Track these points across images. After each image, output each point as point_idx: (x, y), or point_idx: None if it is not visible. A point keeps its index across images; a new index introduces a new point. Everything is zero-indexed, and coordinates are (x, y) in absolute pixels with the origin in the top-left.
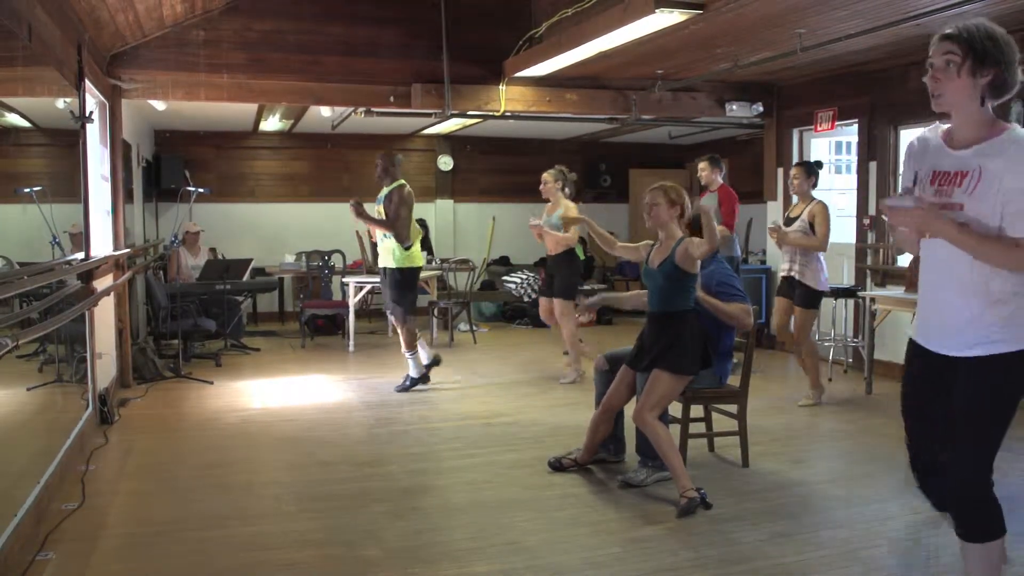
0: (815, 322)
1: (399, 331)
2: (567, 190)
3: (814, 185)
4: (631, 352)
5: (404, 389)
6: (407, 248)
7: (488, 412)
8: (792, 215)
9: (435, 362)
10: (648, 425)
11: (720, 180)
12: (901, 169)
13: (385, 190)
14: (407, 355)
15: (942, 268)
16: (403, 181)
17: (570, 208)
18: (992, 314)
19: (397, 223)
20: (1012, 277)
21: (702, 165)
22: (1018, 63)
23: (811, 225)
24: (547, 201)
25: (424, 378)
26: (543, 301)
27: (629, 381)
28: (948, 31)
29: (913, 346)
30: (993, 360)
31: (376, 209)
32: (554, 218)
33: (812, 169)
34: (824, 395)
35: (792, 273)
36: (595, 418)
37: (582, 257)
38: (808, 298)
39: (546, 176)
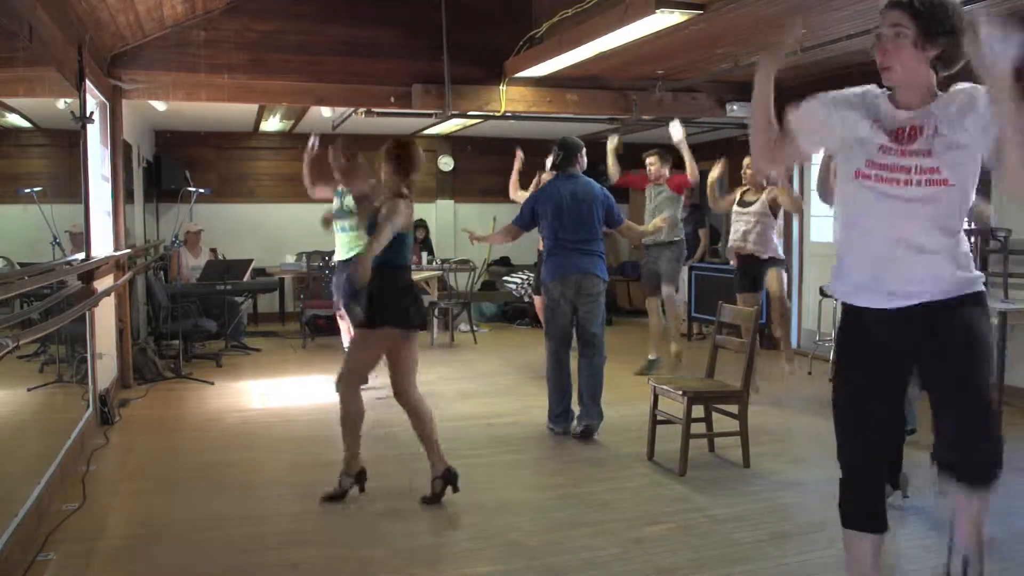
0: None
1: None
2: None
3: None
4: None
5: None
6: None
7: (489, 413)
8: (748, 199)
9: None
10: (413, 401)
11: (667, 173)
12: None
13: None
14: None
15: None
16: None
17: None
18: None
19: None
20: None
21: (652, 159)
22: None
23: (771, 208)
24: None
25: None
26: (537, 299)
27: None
28: None
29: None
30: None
31: (343, 202)
32: None
33: None
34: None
35: (755, 253)
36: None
37: None
38: (782, 263)
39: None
